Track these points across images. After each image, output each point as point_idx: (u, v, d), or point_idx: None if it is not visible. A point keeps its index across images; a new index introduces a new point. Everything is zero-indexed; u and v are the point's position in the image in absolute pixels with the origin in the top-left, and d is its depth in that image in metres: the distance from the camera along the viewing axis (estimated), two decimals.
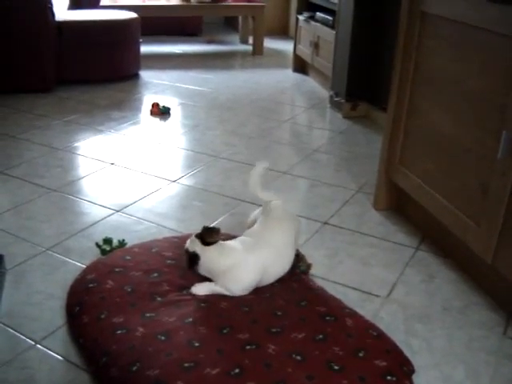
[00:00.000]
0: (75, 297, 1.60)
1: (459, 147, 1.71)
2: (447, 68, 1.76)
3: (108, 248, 1.85)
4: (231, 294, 1.58)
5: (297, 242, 1.80)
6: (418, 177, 1.96)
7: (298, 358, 1.35)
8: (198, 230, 2.00)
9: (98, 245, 1.87)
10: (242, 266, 1.57)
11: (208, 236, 1.57)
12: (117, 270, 1.68)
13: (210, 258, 1.56)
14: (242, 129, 3.19)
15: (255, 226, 1.75)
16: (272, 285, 1.65)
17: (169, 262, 1.73)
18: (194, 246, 1.58)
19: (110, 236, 1.91)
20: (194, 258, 1.57)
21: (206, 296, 1.57)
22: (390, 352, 1.39)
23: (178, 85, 4.11)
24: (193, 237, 1.60)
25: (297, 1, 4.48)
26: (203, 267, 1.58)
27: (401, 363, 1.37)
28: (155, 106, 3.40)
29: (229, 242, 1.63)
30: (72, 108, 3.45)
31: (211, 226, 1.64)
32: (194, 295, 1.57)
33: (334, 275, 1.80)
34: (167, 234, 1.99)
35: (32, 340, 1.47)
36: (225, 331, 1.43)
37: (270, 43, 5.66)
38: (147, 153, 2.80)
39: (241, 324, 1.46)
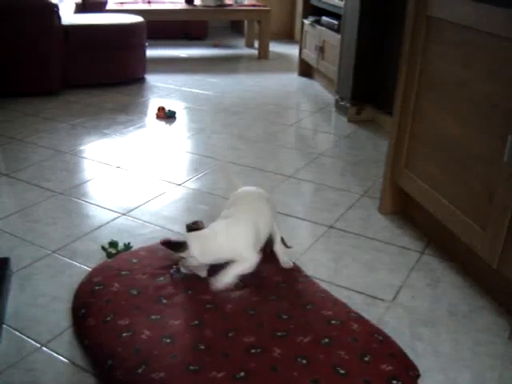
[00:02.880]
0: (81, 299, 1.61)
1: (465, 151, 1.71)
2: (453, 72, 1.75)
3: (114, 251, 1.85)
4: (249, 263, 1.59)
5: (274, 212, 1.81)
6: (423, 181, 1.96)
7: (304, 361, 1.35)
8: None
9: (103, 248, 1.87)
10: (237, 228, 1.62)
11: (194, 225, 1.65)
12: (123, 272, 1.68)
13: (220, 241, 1.59)
14: (248, 133, 3.20)
15: (225, 210, 1.78)
16: (277, 287, 1.65)
17: (174, 265, 1.73)
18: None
19: (115, 239, 1.91)
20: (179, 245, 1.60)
21: (212, 298, 1.57)
22: (395, 356, 1.39)
23: (183, 89, 4.12)
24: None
25: (302, 5, 4.48)
26: (212, 255, 1.60)
27: (406, 367, 1.36)
28: (161, 109, 3.42)
29: (219, 222, 1.67)
30: (78, 111, 3.47)
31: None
32: (200, 297, 1.57)
33: (340, 279, 1.80)
34: (173, 237, 1.99)
35: (37, 342, 1.47)
36: (230, 334, 1.43)
37: (275, 47, 5.68)
38: (153, 156, 2.81)
39: (246, 327, 1.46)
